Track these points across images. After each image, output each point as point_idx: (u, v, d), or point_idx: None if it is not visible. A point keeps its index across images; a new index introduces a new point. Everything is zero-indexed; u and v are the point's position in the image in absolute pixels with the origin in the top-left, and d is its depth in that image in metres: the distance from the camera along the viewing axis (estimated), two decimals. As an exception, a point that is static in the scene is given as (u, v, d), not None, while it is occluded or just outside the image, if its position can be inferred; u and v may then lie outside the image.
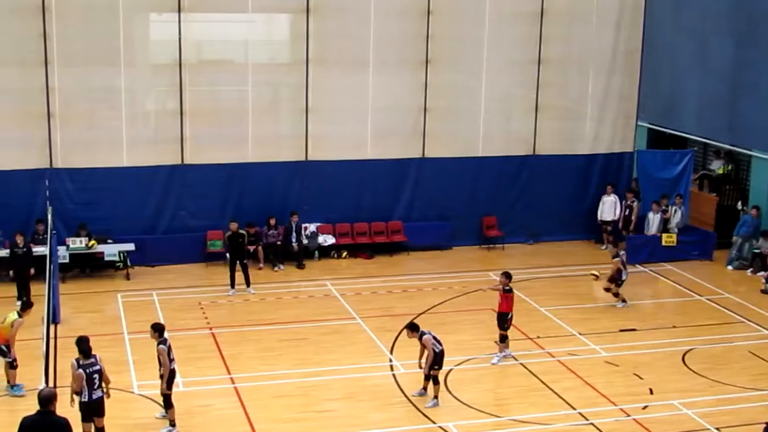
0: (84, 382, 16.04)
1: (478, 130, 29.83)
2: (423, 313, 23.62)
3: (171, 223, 27.91)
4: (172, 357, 17.50)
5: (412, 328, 18.91)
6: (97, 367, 16.24)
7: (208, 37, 28.51)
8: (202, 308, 24.18)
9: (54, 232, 22.41)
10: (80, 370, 16.09)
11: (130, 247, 26.72)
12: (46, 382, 16.37)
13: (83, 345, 16.42)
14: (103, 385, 16.39)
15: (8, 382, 18.81)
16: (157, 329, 17.46)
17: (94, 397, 16.15)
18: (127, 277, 26.48)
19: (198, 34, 27.81)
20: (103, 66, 27.12)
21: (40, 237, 25.62)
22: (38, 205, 25.84)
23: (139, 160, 27.41)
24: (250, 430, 17.70)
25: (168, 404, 17.55)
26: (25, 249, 24.44)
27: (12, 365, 18.84)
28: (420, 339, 18.71)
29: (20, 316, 18.88)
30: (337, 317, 23.67)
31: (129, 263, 26.68)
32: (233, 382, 19.71)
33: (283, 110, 29.14)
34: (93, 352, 16.39)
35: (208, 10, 27.96)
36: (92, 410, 16.14)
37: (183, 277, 26.67)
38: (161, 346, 17.26)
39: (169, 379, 17.40)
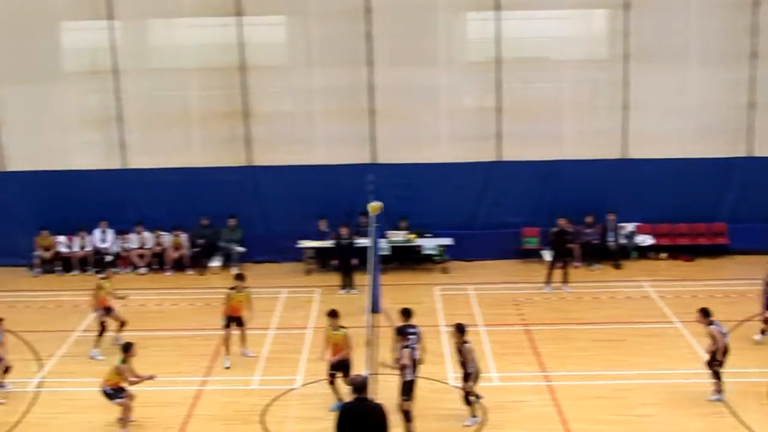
0: (410, 361, 16.70)
1: (809, 128, 28.22)
2: (746, 320, 22.56)
3: (488, 219, 28.21)
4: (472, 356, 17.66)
5: (705, 313, 18.24)
6: (416, 353, 16.91)
7: (524, 34, 28.44)
8: (517, 304, 24.26)
9: (377, 225, 23.13)
10: (407, 350, 16.79)
11: (449, 241, 27.25)
12: (368, 369, 16.92)
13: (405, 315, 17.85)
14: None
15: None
16: (461, 330, 17.55)
17: (414, 377, 16.89)
18: (445, 270, 27.02)
19: (515, 32, 27.85)
20: (423, 64, 27.81)
21: (364, 229, 26.61)
22: (362, 198, 26.79)
23: (457, 156, 27.88)
24: (563, 429, 17.54)
25: (468, 400, 17.65)
26: (348, 240, 25.54)
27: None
28: (707, 326, 18.14)
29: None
30: (655, 320, 23.06)
31: (446, 257, 27.21)
32: (547, 380, 19.62)
33: (599, 107, 28.65)
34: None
35: (525, 7, 27.99)
36: (410, 390, 16.86)
37: (498, 273, 26.90)
38: (467, 345, 17.40)
39: (475, 376, 17.56)
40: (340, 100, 27.89)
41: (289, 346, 21.58)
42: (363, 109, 27.72)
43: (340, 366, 18.24)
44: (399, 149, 27.90)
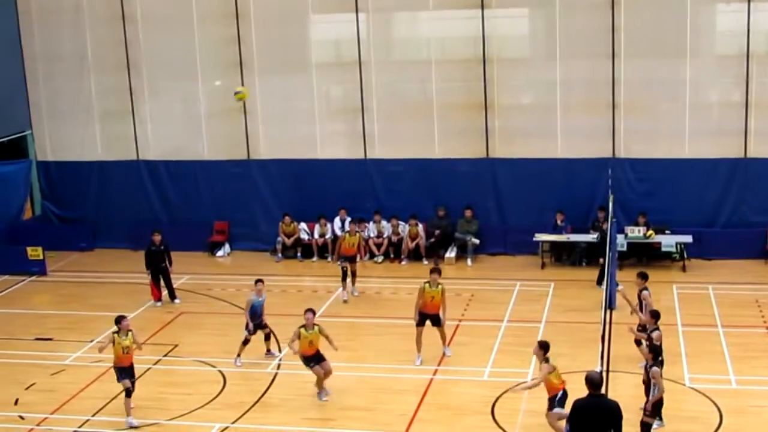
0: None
1: None
2: None
3: (731, 217, 27.29)
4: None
5: None
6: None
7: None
8: (759, 306, 23.33)
9: (614, 220, 22.77)
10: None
11: (688, 239, 26.55)
12: (601, 365, 16.73)
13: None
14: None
15: None
16: (656, 352, 16.46)
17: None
18: (683, 269, 26.35)
19: (767, 24, 26.80)
20: (668, 57, 27.12)
21: (600, 225, 26.34)
22: (600, 192, 26.50)
23: (700, 152, 27.09)
24: (806, 437, 16.86)
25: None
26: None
27: None
28: None
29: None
30: None
31: (686, 255, 26.54)
32: (790, 386, 18.89)
33: None
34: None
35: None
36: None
37: (740, 273, 25.96)
38: (655, 368, 16.22)
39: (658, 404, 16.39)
40: (581, 93, 27.61)
41: (522, 339, 21.52)
42: (605, 102, 27.31)
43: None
44: (640, 144, 27.37)
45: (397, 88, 29.02)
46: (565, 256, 27.41)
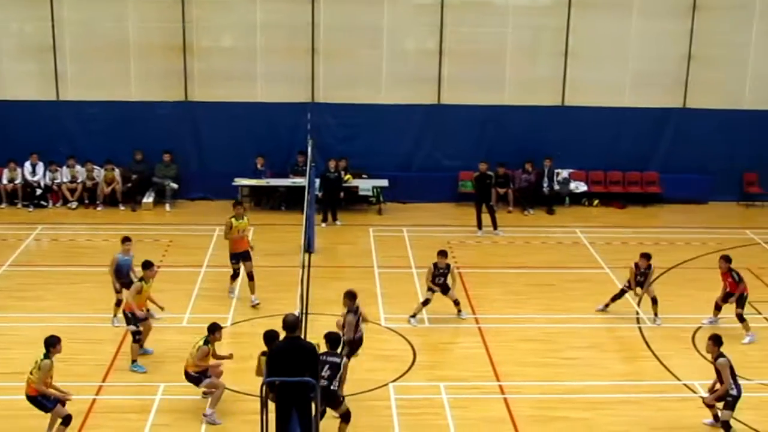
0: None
1: (745, 81, 28.51)
2: (673, 267, 22.97)
3: (425, 161, 28.27)
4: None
5: (716, 341, 15.24)
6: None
7: (470, -23, 28.42)
8: (450, 247, 24.26)
9: (313, 164, 23.02)
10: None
11: (384, 183, 27.27)
12: (301, 307, 16.91)
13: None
14: None
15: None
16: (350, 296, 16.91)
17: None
18: (380, 212, 27.08)
19: (460, -26, 27.82)
20: (367, 3, 27.70)
21: (300, 168, 26.53)
22: (300, 137, 26.70)
23: (397, 98, 27.85)
24: (492, 370, 17.69)
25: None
26: (336, 174, 25.47)
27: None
28: (714, 362, 15.27)
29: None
30: (586, 266, 23.35)
31: (382, 199, 27.27)
32: (477, 322, 19.78)
33: (541, 53, 28.80)
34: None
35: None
36: None
37: (433, 216, 27.03)
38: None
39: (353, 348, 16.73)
40: (282, 37, 27.71)
41: (220, 285, 21.40)
42: (305, 47, 27.50)
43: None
44: (339, 89, 27.80)
45: (92, 27, 27.91)
46: (265, 200, 27.49)
